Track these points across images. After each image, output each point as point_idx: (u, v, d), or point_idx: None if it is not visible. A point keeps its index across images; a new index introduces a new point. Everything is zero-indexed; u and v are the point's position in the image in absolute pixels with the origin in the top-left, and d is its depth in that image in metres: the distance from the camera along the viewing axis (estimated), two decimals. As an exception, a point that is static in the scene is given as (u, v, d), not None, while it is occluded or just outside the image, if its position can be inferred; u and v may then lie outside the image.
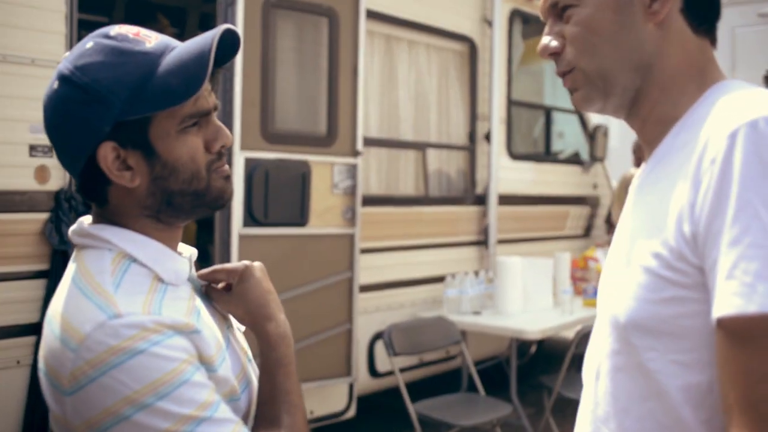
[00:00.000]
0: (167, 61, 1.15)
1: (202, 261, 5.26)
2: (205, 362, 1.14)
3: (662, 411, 1.05)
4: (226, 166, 1.25)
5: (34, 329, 3.31)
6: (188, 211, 1.23)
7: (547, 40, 1.20)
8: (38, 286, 3.37)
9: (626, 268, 1.09)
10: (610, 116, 1.23)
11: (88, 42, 1.17)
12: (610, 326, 1.12)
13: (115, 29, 1.19)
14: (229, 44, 1.21)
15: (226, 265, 1.34)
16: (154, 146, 1.16)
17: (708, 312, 0.98)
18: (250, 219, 4.06)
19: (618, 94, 1.16)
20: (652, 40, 1.13)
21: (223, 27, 1.17)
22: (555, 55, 1.19)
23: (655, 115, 1.16)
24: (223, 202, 1.25)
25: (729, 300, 0.93)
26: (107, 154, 1.15)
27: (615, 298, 1.11)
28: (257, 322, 1.28)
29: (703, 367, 1.01)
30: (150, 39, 1.18)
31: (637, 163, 6.33)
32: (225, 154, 1.25)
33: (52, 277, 3.36)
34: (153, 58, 1.15)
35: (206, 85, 1.19)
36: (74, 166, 1.19)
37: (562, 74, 1.20)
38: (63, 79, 1.15)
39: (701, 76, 1.14)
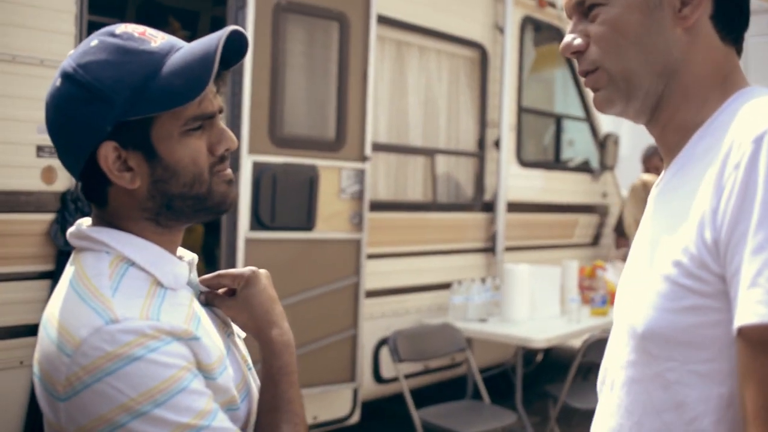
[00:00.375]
0: (172, 62, 1.13)
1: (209, 264, 5.28)
2: (203, 370, 1.13)
3: (680, 424, 1.03)
4: (229, 170, 1.23)
5: (38, 330, 3.31)
6: (189, 215, 1.21)
7: (571, 38, 1.17)
8: (43, 286, 3.37)
9: (646, 277, 1.07)
10: (631, 120, 1.21)
11: (93, 40, 1.16)
12: (627, 336, 1.10)
13: (121, 27, 1.18)
14: (236, 47, 1.20)
15: (232, 270, 1.32)
16: (156, 148, 1.15)
17: (729, 321, 0.96)
18: (257, 223, 4.06)
19: (640, 98, 1.14)
20: (680, 45, 1.11)
21: (229, 28, 1.15)
22: (578, 53, 1.17)
23: (676, 121, 1.14)
24: (225, 207, 1.23)
25: (752, 308, 0.91)
26: (108, 154, 1.14)
27: (633, 307, 1.09)
28: (262, 329, 1.26)
29: (723, 378, 0.99)
30: (156, 39, 1.17)
31: (647, 172, 6.29)
32: (228, 158, 1.23)
33: (56, 278, 3.35)
34: (157, 57, 1.13)
35: (211, 87, 1.17)
36: (75, 165, 1.18)
37: (585, 73, 1.18)
38: (66, 76, 1.14)
39: (725, 83, 1.13)
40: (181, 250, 1.30)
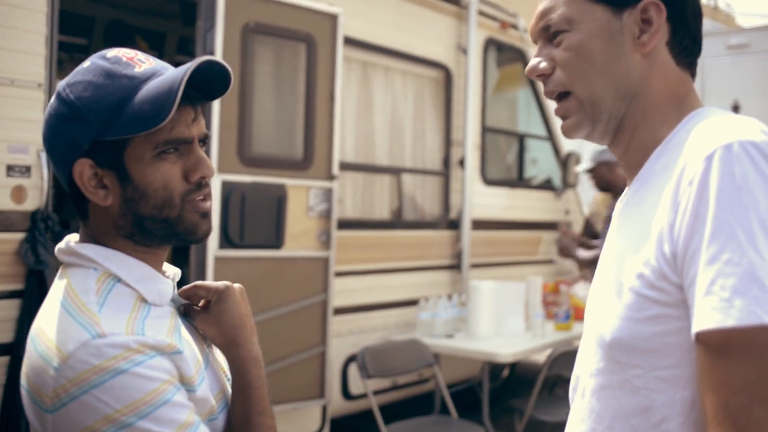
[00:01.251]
0: (146, 88, 1.17)
1: (178, 283, 5.25)
2: (185, 383, 1.16)
3: (647, 426, 1.08)
4: (208, 204, 1.26)
5: (8, 349, 3.30)
6: (161, 237, 1.24)
7: (537, 62, 1.24)
8: (12, 306, 3.35)
9: (612, 289, 1.12)
10: (595, 142, 1.27)
11: (87, 61, 1.23)
12: (596, 345, 1.15)
13: (113, 52, 1.23)
14: (220, 77, 1.24)
15: (207, 282, 1.35)
16: (128, 169, 1.19)
17: (690, 329, 1.01)
18: (226, 241, 4.08)
19: (604, 120, 1.20)
20: (639, 69, 1.18)
21: (201, 59, 1.19)
22: (543, 76, 1.23)
23: (636, 141, 1.21)
24: (196, 237, 1.26)
25: (708, 315, 0.96)
26: (84, 170, 1.19)
27: (601, 317, 1.14)
28: (229, 345, 1.29)
29: (686, 383, 1.04)
30: (142, 64, 1.21)
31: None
32: (206, 186, 1.26)
33: (26, 297, 3.35)
34: (136, 82, 1.18)
35: (189, 114, 1.21)
36: (63, 178, 1.23)
37: (551, 94, 1.24)
38: (57, 94, 1.21)
39: (681, 104, 1.20)
40: (165, 265, 1.34)
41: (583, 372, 1.21)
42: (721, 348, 0.96)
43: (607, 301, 1.13)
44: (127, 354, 1.09)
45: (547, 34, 1.22)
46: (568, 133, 1.25)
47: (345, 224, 4.78)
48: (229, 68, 1.24)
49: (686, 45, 1.21)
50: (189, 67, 1.17)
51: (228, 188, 4.07)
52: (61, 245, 1.26)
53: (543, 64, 1.23)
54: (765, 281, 0.94)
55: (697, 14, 1.22)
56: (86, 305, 1.14)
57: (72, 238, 1.27)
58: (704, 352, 0.98)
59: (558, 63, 1.21)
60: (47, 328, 1.15)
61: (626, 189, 1.26)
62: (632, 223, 1.15)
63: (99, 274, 1.20)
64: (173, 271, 1.35)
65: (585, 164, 5.36)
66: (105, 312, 1.14)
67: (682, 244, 1.01)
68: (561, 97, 1.23)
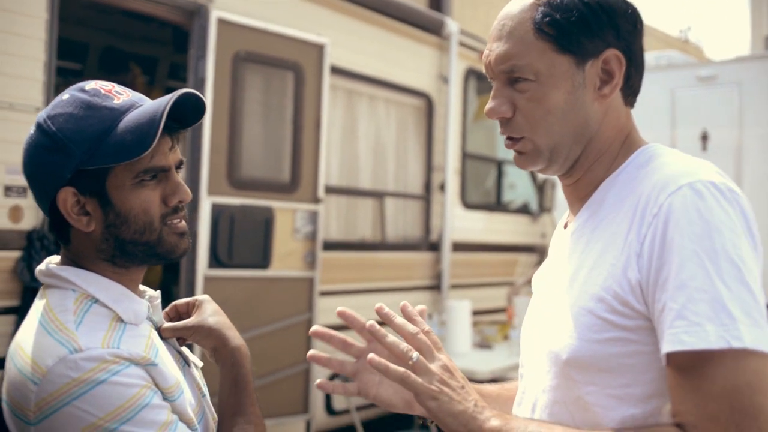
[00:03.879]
0: (127, 119, 1.22)
1: (167, 301, 5.37)
2: (161, 392, 1.21)
3: None
4: (183, 223, 1.32)
5: (3, 363, 3.39)
6: (142, 259, 1.30)
7: (497, 105, 1.24)
8: (8, 321, 3.45)
9: (568, 310, 1.16)
10: (546, 174, 1.34)
11: (66, 94, 1.27)
12: (548, 363, 1.19)
13: (91, 84, 1.28)
14: (195, 106, 1.31)
15: (183, 300, 1.45)
16: (110, 196, 1.24)
17: (645, 352, 1.08)
18: (215, 261, 4.20)
19: (560, 162, 1.24)
20: (597, 116, 1.21)
21: (180, 91, 1.25)
22: (503, 118, 1.24)
23: (589, 176, 1.25)
24: (175, 256, 1.32)
25: (681, 337, 1.02)
26: (67, 198, 1.24)
27: (555, 336, 1.18)
28: (226, 340, 1.36)
29: (636, 402, 1.10)
30: (120, 96, 1.26)
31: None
32: (182, 210, 1.32)
33: (22, 313, 3.44)
34: (117, 114, 1.23)
35: (166, 143, 1.29)
36: (44, 205, 1.28)
37: (508, 136, 1.26)
38: (37, 125, 1.26)
39: (628, 140, 1.25)
40: (142, 287, 1.39)
41: (533, 388, 1.26)
42: (693, 366, 1.02)
43: (563, 321, 1.17)
44: (103, 365, 1.14)
45: (509, 76, 1.23)
46: (522, 166, 1.28)
47: (330, 245, 4.91)
48: (204, 98, 1.32)
49: (636, 87, 1.26)
50: (169, 99, 1.22)
51: (217, 210, 4.20)
52: (41, 267, 1.31)
53: (504, 108, 1.24)
54: (731, 309, 1.01)
55: (643, 53, 1.26)
56: (64, 324, 1.19)
57: (52, 260, 1.32)
58: (676, 370, 1.04)
59: (520, 110, 1.22)
60: (26, 345, 1.19)
61: (571, 216, 1.32)
62: (590, 248, 1.19)
63: (77, 295, 1.24)
64: (152, 293, 1.40)
65: None
66: (82, 329, 1.18)
67: (653, 273, 1.06)
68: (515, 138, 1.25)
